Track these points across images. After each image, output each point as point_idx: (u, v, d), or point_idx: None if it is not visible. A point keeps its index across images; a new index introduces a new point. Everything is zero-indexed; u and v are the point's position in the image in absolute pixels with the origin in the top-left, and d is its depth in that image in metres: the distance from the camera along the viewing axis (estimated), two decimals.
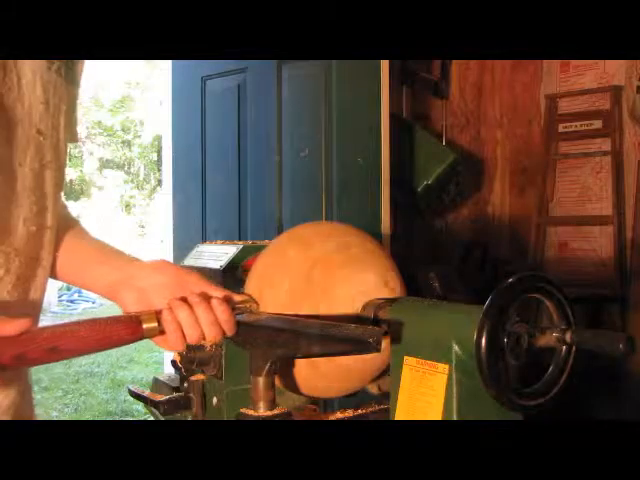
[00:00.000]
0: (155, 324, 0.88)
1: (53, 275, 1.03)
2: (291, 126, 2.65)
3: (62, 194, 1.06)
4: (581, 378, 0.95)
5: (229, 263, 1.09)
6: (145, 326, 0.87)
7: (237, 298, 0.98)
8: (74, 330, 0.83)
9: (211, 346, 1.02)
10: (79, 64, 0.99)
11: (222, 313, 0.91)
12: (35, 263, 0.95)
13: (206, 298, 0.92)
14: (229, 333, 0.92)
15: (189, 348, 1.02)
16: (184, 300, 0.91)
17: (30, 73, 0.90)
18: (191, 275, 0.97)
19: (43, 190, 0.94)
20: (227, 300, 0.94)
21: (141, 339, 0.88)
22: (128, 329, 0.86)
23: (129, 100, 11.88)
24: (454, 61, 3.51)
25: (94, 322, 0.85)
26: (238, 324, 0.94)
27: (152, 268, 0.98)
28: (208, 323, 0.90)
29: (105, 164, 12.43)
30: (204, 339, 0.91)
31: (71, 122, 1.01)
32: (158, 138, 9.85)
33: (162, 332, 0.89)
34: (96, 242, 1.06)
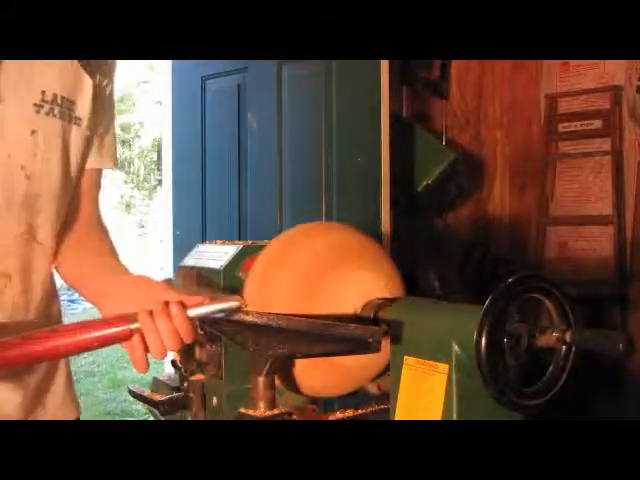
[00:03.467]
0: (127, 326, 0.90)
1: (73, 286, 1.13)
2: (291, 126, 2.65)
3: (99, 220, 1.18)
4: (581, 378, 0.95)
5: (229, 263, 1.09)
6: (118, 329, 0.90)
7: (195, 301, 0.96)
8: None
9: (211, 346, 1.02)
10: (79, 99, 1.04)
11: (180, 323, 0.91)
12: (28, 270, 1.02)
13: (166, 306, 0.92)
14: (186, 340, 0.92)
15: (189, 348, 1.02)
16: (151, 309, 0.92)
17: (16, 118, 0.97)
18: (158, 284, 0.99)
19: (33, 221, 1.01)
20: (183, 304, 0.93)
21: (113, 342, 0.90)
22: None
23: (129, 100, 11.88)
24: (454, 61, 3.50)
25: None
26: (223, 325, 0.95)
27: (128, 281, 1.02)
28: (166, 331, 0.90)
29: None
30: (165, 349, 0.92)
31: (102, 149, 1.12)
32: (158, 139, 9.86)
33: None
34: (104, 255, 1.14)
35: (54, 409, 1.08)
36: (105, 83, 1.11)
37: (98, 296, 1.03)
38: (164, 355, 0.92)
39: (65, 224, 1.09)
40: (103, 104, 1.12)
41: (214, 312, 0.95)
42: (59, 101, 1.00)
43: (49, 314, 1.09)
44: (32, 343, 0.86)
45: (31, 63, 0.96)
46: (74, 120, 1.04)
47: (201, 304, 0.95)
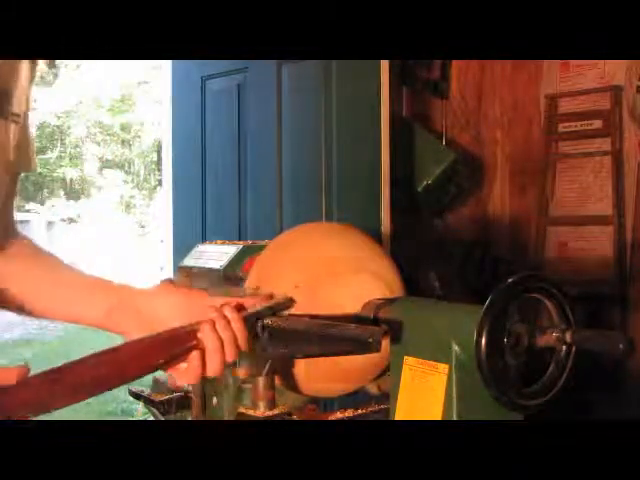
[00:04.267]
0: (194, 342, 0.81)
1: (28, 313, 0.96)
2: (291, 126, 2.65)
3: (15, 225, 1.00)
4: (581, 378, 0.95)
5: (229, 263, 1.09)
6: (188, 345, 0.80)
7: (250, 301, 0.91)
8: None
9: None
10: (16, 93, 0.91)
11: (238, 329, 0.84)
12: None
13: (226, 317, 0.84)
14: (243, 348, 0.85)
15: None
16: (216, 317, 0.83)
17: None
18: (197, 291, 0.92)
19: None
20: (240, 309, 0.87)
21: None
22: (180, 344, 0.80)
23: (129, 100, 11.88)
24: (454, 61, 3.50)
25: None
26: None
27: (155, 290, 0.92)
28: (229, 342, 0.82)
29: (105, 164, 12.43)
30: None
31: (20, 153, 0.94)
32: (158, 139, 9.86)
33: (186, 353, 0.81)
34: (77, 271, 0.98)
35: None
36: (34, 73, 0.96)
37: (103, 316, 0.91)
38: (222, 369, 0.84)
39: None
40: (31, 98, 0.97)
41: (264, 311, 0.90)
42: None
43: None
44: (97, 367, 0.74)
45: None
46: (11, 117, 0.89)
47: (251, 305, 0.90)
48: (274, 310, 0.90)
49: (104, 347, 0.77)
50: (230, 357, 0.83)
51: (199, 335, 0.81)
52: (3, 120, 0.88)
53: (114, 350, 0.76)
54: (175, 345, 0.80)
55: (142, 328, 0.86)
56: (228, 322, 0.83)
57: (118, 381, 0.76)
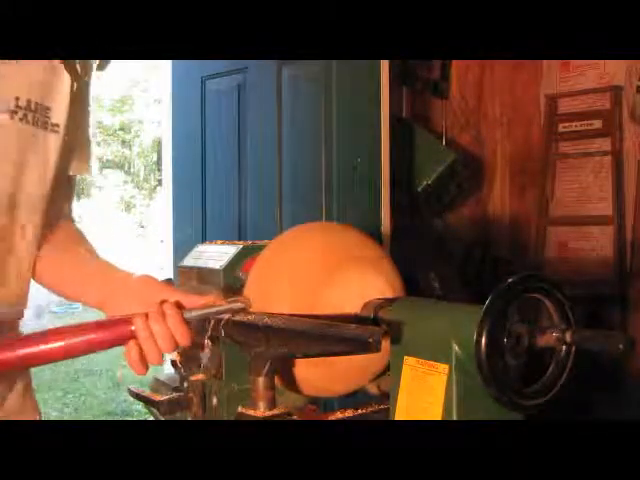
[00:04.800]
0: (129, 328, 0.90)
1: (57, 292, 1.11)
2: (291, 126, 2.65)
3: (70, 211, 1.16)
4: (581, 378, 0.95)
5: (229, 263, 1.09)
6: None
7: (201, 301, 0.97)
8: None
9: (211, 346, 1.02)
10: (55, 104, 1.01)
11: (173, 324, 0.91)
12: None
13: (162, 312, 0.92)
14: (181, 343, 0.92)
15: (189, 348, 1.01)
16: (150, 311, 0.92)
17: None
18: (162, 288, 0.99)
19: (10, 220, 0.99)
20: (179, 306, 0.93)
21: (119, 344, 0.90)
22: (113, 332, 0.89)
23: (129, 99, 11.88)
24: (454, 61, 3.50)
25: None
26: (236, 326, 0.94)
27: (134, 282, 1.01)
28: (161, 334, 0.90)
29: (105, 164, 12.43)
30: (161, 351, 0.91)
31: (70, 156, 1.08)
32: (158, 139, 9.86)
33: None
34: (93, 259, 1.10)
35: (11, 416, 1.04)
36: (83, 83, 1.08)
37: (101, 302, 1.03)
38: (159, 359, 0.92)
39: (44, 230, 1.07)
40: (81, 107, 1.09)
41: (216, 314, 0.95)
42: (33, 107, 0.97)
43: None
44: (29, 344, 0.86)
45: (2, 68, 0.93)
46: (50, 127, 1.01)
47: (202, 306, 0.95)
48: (224, 312, 0.95)
49: None
50: (166, 349, 0.91)
51: (133, 325, 0.90)
52: (42, 130, 1.00)
53: (51, 331, 0.88)
54: (109, 329, 0.89)
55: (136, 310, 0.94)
56: (163, 316, 0.90)
57: (62, 355, 0.87)
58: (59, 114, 1.02)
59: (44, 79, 0.99)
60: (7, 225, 0.99)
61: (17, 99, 0.95)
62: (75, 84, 1.03)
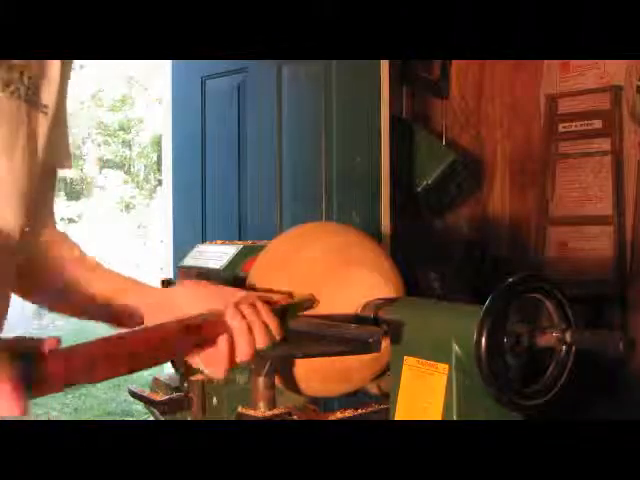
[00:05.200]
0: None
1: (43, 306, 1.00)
2: (291, 126, 2.65)
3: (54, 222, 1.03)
4: (581, 378, 0.95)
5: (229, 263, 1.09)
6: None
7: (275, 297, 0.94)
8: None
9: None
10: (46, 83, 0.91)
11: (270, 319, 0.86)
12: None
13: (253, 305, 0.86)
14: (277, 336, 0.87)
15: None
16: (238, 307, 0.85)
17: None
18: (224, 286, 0.95)
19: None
20: (270, 303, 0.90)
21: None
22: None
23: (129, 99, 11.89)
24: (454, 61, 3.50)
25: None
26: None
27: (183, 288, 0.95)
28: (259, 330, 0.84)
29: (105, 164, 12.43)
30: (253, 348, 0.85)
31: (54, 147, 0.95)
32: (158, 138, 9.87)
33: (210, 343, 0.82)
34: (111, 272, 1.00)
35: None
36: (67, 70, 0.97)
37: (127, 313, 0.93)
38: (252, 354, 0.84)
39: (31, 231, 0.93)
40: (64, 94, 0.97)
41: (289, 308, 0.93)
42: (25, 81, 0.86)
43: None
44: (124, 344, 0.74)
45: None
46: (41, 107, 0.89)
47: (278, 302, 0.92)
48: (300, 307, 0.93)
49: None
50: (261, 342, 0.84)
51: (226, 318, 0.82)
52: (33, 109, 0.88)
53: (145, 330, 0.77)
54: (201, 328, 0.80)
55: None
56: (254, 307, 0.84)
57: (148, 361, 0.76)
58: (49, 95, 0.91)
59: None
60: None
61: (10, 69, 0.85)
62: (65, 66, 0.94)
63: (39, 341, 0.69)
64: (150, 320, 0.91)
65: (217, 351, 0.82)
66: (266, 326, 0.85)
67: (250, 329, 0.84)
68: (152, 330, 0.78)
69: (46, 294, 1.00)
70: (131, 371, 0.75)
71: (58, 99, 0.94)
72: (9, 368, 0.64)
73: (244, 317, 0.84)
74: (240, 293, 0.91)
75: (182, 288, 0.96)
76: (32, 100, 0.88)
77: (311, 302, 0.95)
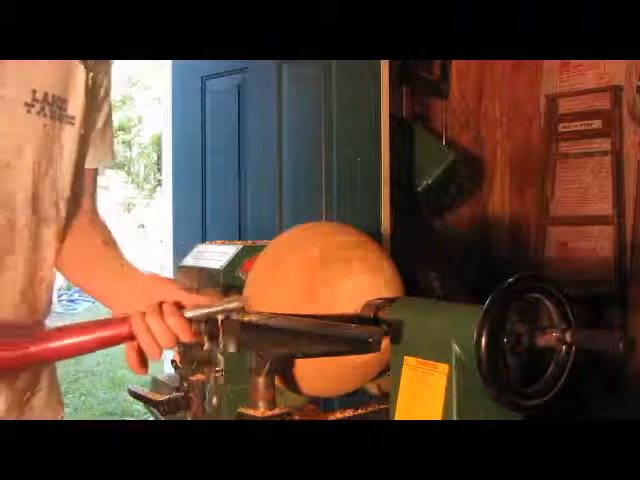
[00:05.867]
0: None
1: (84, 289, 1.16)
2: (291, 126, 2.65)
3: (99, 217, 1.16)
4: (581, 378, 0.95)
5: (229, 263, 1.09)
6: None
7: (200, 300, 0.98)
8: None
9: (211, 345, 1.02)
10: (71, 98, 1.01)
11: (173, 321, 0.92)
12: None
13: (160, 306, 0.94)
14: (182, 338, 0.94)
15: (189, 347, 1.01)
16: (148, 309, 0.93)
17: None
18: (165, 284, 1.01)
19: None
20: (178, 305, 0.95)
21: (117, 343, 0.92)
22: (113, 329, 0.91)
23: (129, 99, 11.88)
24: (454, 61, 3.50)
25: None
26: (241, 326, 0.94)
27: (141, 280, 1.04)
28: (158, 330, 0.92)
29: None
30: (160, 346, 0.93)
31: (97, 149, 1.11)
32: (158, 137, 9.87)
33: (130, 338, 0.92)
34: (112, 257, 1.11)
35: (38, 411, 1.07)
36: (100, 77, 1.09)
37: (108, 298, 1.05)
38: (158, 354, 0.93)
39: (67, 223, 1.08)
40: (98, 100, 1.10)
41: (215, 313, 0.95)
42: (50, 100, 0.97)
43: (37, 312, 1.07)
44: (34, 343, 0.86)
45: (18, 62, 0.93)
46: (66, 119, 1.01)
47: (201, 304, 0.95)
48: (222, 312, 0.95)
49: None
50: (165, 344, 0.92)
51: (131, 322, 0.91)
52: (58, 122, 1.00)
53: (54, 330, 0.89)
54: (106, 328, 0.91)
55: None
56: (160, 313, 0.92)
57: (58, 355, 0.88)
58: (75, 106, 1.02)
59: (60, 71, 0.99)
60: (29, 225, 1.00)
61: (34, 92, 0.95)
62: (91, 74, 1.04)
63: None
64: (114, 303, 1.04)
65: (128, 352, 0.93)
66: (166, 330, 0.92)
67: (151, 333, 0.91)
68: (71, 328, 0.90)
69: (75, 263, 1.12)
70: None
71: (88, 106, 1.04)
72: None
73: (145, 322, 0.91)
74: (173, 294, 0.96)
75: (140, 280, 1.04)
76: (57, 115, 0.99)
77: (238, 308, 0.97)
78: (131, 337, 0.92)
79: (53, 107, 0.98)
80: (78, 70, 1.02)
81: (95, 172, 1.17)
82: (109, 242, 1.14)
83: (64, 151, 1.02)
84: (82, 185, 1.12)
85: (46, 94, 0.97)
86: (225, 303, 0.96)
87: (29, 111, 0.95)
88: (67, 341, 0.88)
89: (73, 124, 1.02)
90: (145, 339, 0.91)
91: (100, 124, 1.12)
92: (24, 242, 0.99)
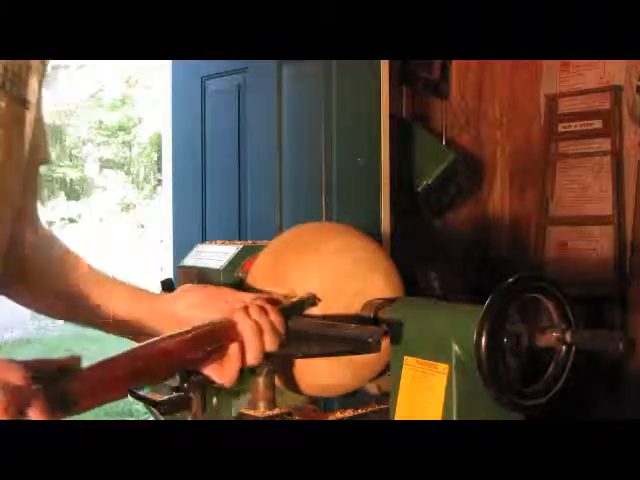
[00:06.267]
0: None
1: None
2: (291, 126, 2.65)
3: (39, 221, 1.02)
4: (581, 378, 0.95)
5: (229, 263, 1.09)
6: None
7: (278, 298, 0.93)
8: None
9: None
10: (28, 79, 0.90)
11: (277, 320, 0.86)
12: None
13: (262, 307, 0.86)
14: (283, 337, 0.87)
15: None
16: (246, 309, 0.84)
17: None
18: (223, 288, 0.95)
19: None
20: (275, 304, 0.90)
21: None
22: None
23: (129, 100, 11.88)
24: (454, 61, 3.50)
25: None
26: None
27: (178, 292, 0.95)
28: (270, 332, 0.84)
29: (105, 164, 12.43)
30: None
31: (37, 145, 0.95)
32: (158, 137, 9.87)
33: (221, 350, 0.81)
34: (120, 284, 1.00)
35: None
36: (45, 64, 0.96)
37: (132, 321, 0.94)
38: (261, 358, 0.84)
39: (24, 231, 0.96)
40: (41, 89, 0.96)
41: (294, 307, 0.93)
42: (10, 75, 0.85)
43: None
44: (135, 360, 0.76)
45: None
46: (25, 103, 0.88)
47: (280, 302, 0.92)
48: (303, 306, 0.93)
49: (110, 344, 0.75)
50: (270, 345, 0.84)
51: (236, 324, 0.81)
52: (19, 106, 0.88)
53: (151, 344, 0.76)
54: (211, 336, 0.80)
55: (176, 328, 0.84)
56: (263, 310, 0.84)
57: (152, 377, 0.78)
58: (32, 90, 0.90)
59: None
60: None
61: None
62: (46, 61, 0.94)
63: (63, 363, 0.70)
64: (159, 329, 0.91)
65: (227, 358, 0.82)
66: (275, 328, 0.85)
67: (261, 332, 0.83)
68: (165, 342, 0.78)
69: (48, 299, 0.99)
70: (150, 384, 0.78)
71: (39, 95, 0.93)
72: (38, 395, 0.66)
73: (254, 321, 0.83)
74: (240, 295, 0.91)
75: (182, 293, 0.96)
76: (18, 96, 0.87)
77: (312, 300, 0.95)
78: (234, 339, 0.81)
79: (13, 86, 0.86)
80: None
81: (38, 172, 1.01)
82: (79, 258, 1.01)
83: (24, 139, 0.90)
84: (33, 186, 0.98)
85: (6, 68, 0.84)
86: (299, 297, 0.94)
87: None
88: (180, 350, 0.77)
89: (29, 110, 0.90)
90: (254, 340, 0.82)
91: (42, 116, 0.98)
92: None
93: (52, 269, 0.98)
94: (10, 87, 0.85)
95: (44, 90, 0.96)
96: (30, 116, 0.91)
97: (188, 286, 0.97)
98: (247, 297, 0.91)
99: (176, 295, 0.96)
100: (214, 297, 0.92)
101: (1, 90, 0.84)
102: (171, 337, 0.78)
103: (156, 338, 0.78)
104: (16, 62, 0.86)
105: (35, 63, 0.91)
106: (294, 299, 0.94)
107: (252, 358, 0.83)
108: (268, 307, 0.86)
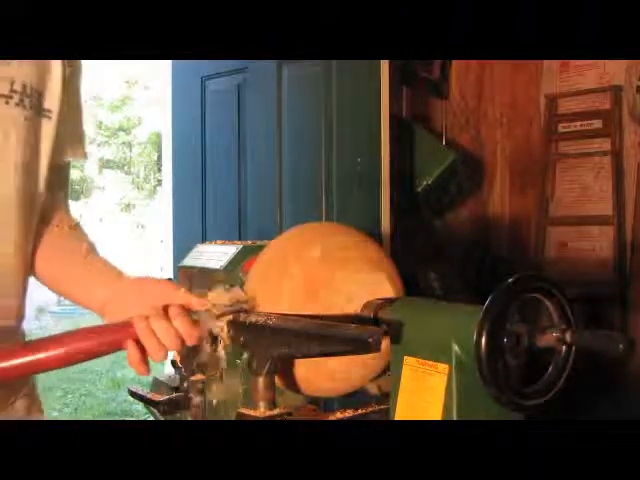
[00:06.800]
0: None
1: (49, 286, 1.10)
2: (291, 126, 2.65)
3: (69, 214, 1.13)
4: (581, 378, 0.95)
5: (229, 263, 1.08)
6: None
7: (198, 303, 0.98)
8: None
9: (211, 346, 1.02)
10: (48, 90, 0.98)
11: (180, 324, 0.92)
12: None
13: (165, 310, 0.93)
14: (188, 341, 0.94)
15: (189, 348, 1.01)
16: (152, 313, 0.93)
17: None
18: (163, 285, 1.00)
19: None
20: (185, 309, 0.95)
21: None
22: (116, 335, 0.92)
23: (129, 99, 11.89)
24: (454, 61, 3.50)
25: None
26: (240, 326, 0.95)
27: (134, 284, 1.03)
28: (163, 334, 0.91)
29: (105, 164, 12.44)
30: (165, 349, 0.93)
31: (63, 143, 1.05)
32: (157, 137, 9.87)
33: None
34: (93, 258, 1.09)
35: (22, 414, 1.04)
36: (76, 71, 1.06)
37: (100, 302, 1.03)
38: (162, 357, 0.93)
39: (40, 225, 1.05)
40: (73, 94, 1.07)
41: (221, 315, 0.96)
42: (28, 92, 0.94)
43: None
44: (28, 352, 0.86)
45: None
46: (44, 112, 0.98)
47: (207, 306, 0.96)
48: (230, 312, 0.96)
49: None
50: (171, 345, 0.92)
51: (133, 325, 0.91)
52: (39, 117, 0.97)
53: (53, 338, 0.88)
54: (110, 332, 0.92)
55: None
56: (165, 316, 0.92)
57: (63, 362, 0.88)
58: (52, 100, 0.99)
59: (37, 63, 0.96)
60: (8, 222, 0.97)
61: (12, 83, 0.92)
62: (68, 69, 1.01)
63: None
64: (107, 309, 1.02)
65: (130, 352, 0.91)
66: (173, 331, 0.92)
67: (153, 333, 0.91)
68: (69, 335, 0.90)
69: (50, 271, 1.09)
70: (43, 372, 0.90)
71: (64, 100, 1.01)
72: None
73: (146, 323, 0.91)
74: (172, 296, 0.96)
75: (130, 286, 1.03)
76: (35, 107, 0.96)
77: (246, 307, 0.98)
78: (135, 340, 0.91)
79: (32, 99, 0.95)
80: (55, 62, 0.99)
81: (68, 169, 1.14)
82: (93, 248, 1.11)
83: (43, 146, 1.00)
84: (56, 183, 1.08)
85: (24, 85, 0.94)
86: (229, 305, 0.97)
87: (7, 102, 0.92)
88: (67, 348, 0.87)
89: (50, 118, 0.99)
90: (150, 342, 0.91)
91: (75, 118, 1.09)
92: None
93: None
94: (29, 103, 0.95)
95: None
96: (51, 122, 1.00)
97: (143, 278, 1.04)
98: (177, 299, 0.96)
99: (131, 286, 1.03)
100: (149, 293, 0.98)
101: (20, 106, 0.94)
102: (77, 330, 0.90)
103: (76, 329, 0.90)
104: (35, 75, 0.95)
105: (54, 73, 0.98)
106: (228, 306, 0.97)
107: (152, 353, 0.92)
108: (176, 312, 0.93)
